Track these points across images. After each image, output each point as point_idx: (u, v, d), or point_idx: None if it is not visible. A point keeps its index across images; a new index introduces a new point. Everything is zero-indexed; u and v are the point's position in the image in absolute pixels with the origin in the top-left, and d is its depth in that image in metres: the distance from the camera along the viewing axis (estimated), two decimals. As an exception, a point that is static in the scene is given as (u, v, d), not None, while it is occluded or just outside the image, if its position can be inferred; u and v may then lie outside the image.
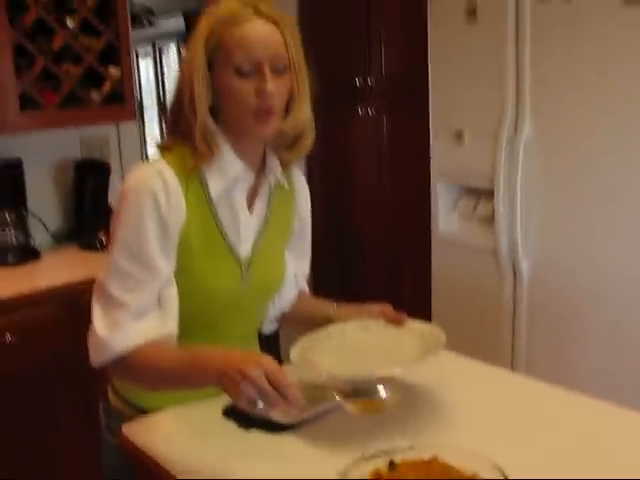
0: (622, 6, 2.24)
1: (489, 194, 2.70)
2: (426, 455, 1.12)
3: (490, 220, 2.72)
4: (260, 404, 1.14)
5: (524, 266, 2.64)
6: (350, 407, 1.17)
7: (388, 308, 1.50)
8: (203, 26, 1.35)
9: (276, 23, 1.34)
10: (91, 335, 1.33)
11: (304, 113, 1.42)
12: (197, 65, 1.33)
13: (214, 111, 1.37)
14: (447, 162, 2.88)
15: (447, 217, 2.95)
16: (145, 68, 6.16)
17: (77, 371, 2.34)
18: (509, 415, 1.38)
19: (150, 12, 5.57)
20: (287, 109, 1.40)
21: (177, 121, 1.38)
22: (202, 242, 1.38)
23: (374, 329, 1.48)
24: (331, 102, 3.68)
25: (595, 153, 2.39)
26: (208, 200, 1.38)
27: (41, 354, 2.38)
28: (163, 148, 1.41)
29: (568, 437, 1.28)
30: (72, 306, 2.38)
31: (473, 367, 1.66)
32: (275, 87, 1.32)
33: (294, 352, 1.36)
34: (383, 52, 3.34)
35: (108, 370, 1.37)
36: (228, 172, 1.39)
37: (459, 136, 2.78)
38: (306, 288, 1.72)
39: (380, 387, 1.17)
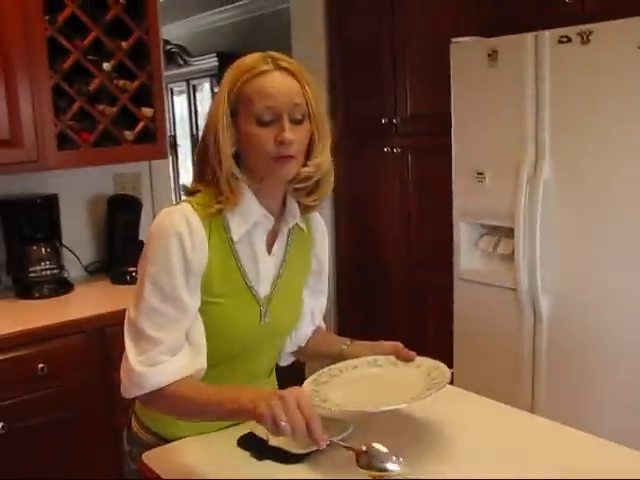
0: (638, 50, 2.30)
1: (510, 233, 2.75)
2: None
3: (511, 258, 2.76)
4: (284, 424, 1.19)
5: (544, 304, 2.67)
6: (362, 473, 1.21)
7: (399, 345, 1.56)
8: (227, 78, 1.44)
9: (294, 75, 1.42)
10: (126, 369, 1.40)
11: (323, 159, 1.48)
12: (221, 114, 1.41)
13: (238, 158, 1.45)
14: (469, 201, 2.93)
15: (469, 255, 3.01)
16: (180, 105, 6.33)
17: (104, 400, 2.45)
18: (511, 451, 1.41)
19: (185, 51, 5.74)
20: (307, 155, 1.47)
21: (203, 167, 1.46)
22: (223, 282, 1.46)
23: (384, 365, 1.53)
24: (359, 139, 3.79)
25: (613, 193, 2.43)
26: (230, 242, 1.46)
27: (71, 383, 2.46)
28: (189, 192, 1.49)
29: (567, 476, 1.30)
30: (100, 337, 2.46)
31: (481, 403, 1.68)
32: (294, 135, 1.39)
33: (306, 386, 1.42)
34: (409, 93, 3.44)
35: (140, 400, 1.44)
36: (250, 217, 1.46)
37: (480, 176, 2.84)
38: (322, 324, 1.78)
39: (393, 458, 1.21)
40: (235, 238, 1.46)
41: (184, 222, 1.40)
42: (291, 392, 1.23)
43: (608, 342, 2.50)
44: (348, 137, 3.86)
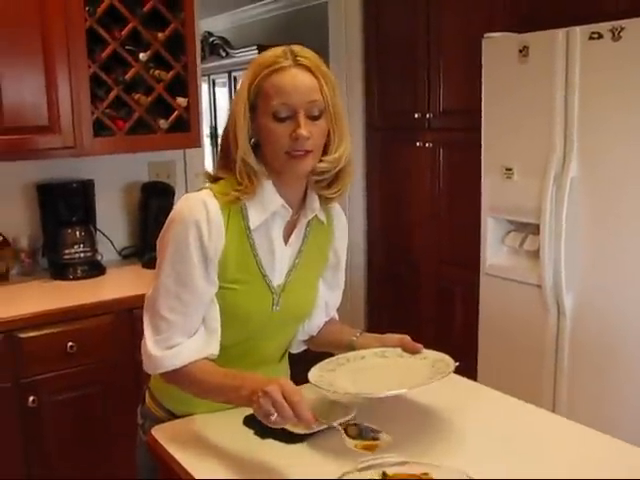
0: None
1: (536, 229, 2.75)
2: (417, 471, 1.20)
3: (536, 255, 2.76)
4: (274, 417, 1.26)
5: (568, 301, 2.67)
6: (348, 442, 1.27)
7: (406, 338, 1.59)
8: (249, 71, 1.47)
9: (313, 72, 1.44)
10: (144, 350, 1.48)
11: (340, 154, 1.50)
12: (240, 107, 1.45)
13: (257, 149, 1.49)
14: (497, 197, 2.94)
15: (495, 251, 3.01)
16: (222, 96, 6.41)
17: (130, 378, 2.53)
18: (514, 444, 1.43)
19: (227, 43, 5.82)
20: (325, 150, 1.50)
21: (225, 156, 1.51)
22: (238, 268, 1.50)
23: (391, 356, 1.57)
24: (392, 134, 3.82)
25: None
26: (247, 231, 1.50)
27: (98, 361, 2.55)
28: (211, 178, 1.54)
29: (571, 472, 1.31)
30: (128, 318, 2.54)
31: (490, 396, 1.71)
32: (310, 131, 1.42)
33: (313, 372, 1.47)
34: (442, 89, 3.45)
35: (160, 376, 1.51)
36: (268, 207, 1.50)
37: (509, 172, 2.84)
38: (336, 315, 1.81)
39: (381, 433, 1.27)
40: (252, 227, 1.50)
41: (203, 209, 1.44)
42: (274, 384, 1.27)
43: (631, 340, 2.49)
44: (381, 131, 3.90)
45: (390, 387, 1.39)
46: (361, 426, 1.27)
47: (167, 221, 1.49)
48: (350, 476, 1.18)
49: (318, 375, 1.46)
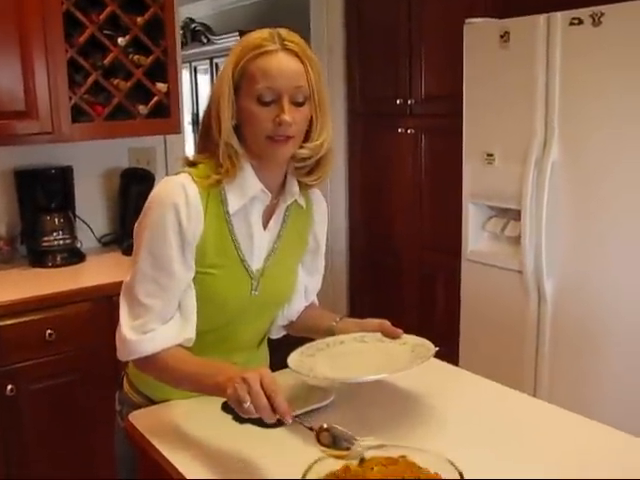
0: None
1: (517, 215, 2.75)
2: (395, 454, 1.20)
3: (518, 241, 2.77)
4: (248, 405, 1.23)
5: (548, 287, 2.68)
6: (319, 447, 1.21)
7: (386, 323, 1.58)
8: (234, 52, 1.45)
9: (300, 57, 1.42)
10: (119, 335, 1.46)
11: (321, 141, 1.49)
12: (225, 88, 1.43)
13: (238, 132, 1.47)
14: (478, 182, 2.94)
15: (477, 236, 3.01)
16: (204, 83, 6.37)
17: (109, 366, 2.50)
18: (495, 428, 1.43)
19: (209, 30, 5.77)
20: (306, 137, 1.49)
21: (205, 138, 1.50)
22: (217, 253, 1.49)
23: (371, 341, 1.56)
24: (373, 120, 3.81)
25: (621, 176, 2.42)
26: (226, 215, 1.49)
27: (77, 348, 2.53)
28: (190, 163, 1.52)
29: (550, 455, 1.32)
30: (107, 305, 2.52)
31: (471, 380, 1.71)
32: (293, 117, 1.41)
33: (292, 357, 1.46)
34: (424, 75, 3.45)
35: (134, 363, 1.50)
36: (247, 191, 1.49)
37: (490, 157, 2.85)
38: (316, 301, 1.81)
39: (355, 441, 1.21)
40: (231, 211, 1.48)
41: (182, 192, 1.43)
42: (254, 372, 1.25)
43: (611, 325, 2.51)
44: (363, 117, 3.89)
45: (370, 372, 1.38)
46: (335, 432, 1.21)
47: (145, 205, 1.47)
48: (327, 461, 1.17)
49: (297, 360, 1.45)
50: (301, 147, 1.48)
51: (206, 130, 1.49)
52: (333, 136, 1.53)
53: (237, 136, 1.46)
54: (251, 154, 1.48)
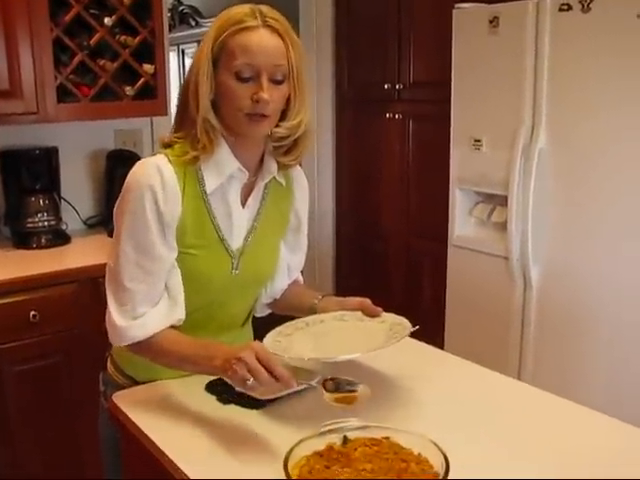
0: (637, 19, 2.28)
1: (504, 201, 2.75)
2: (378, 435, 1.20)
3: (504, 227, 2.77)
4: (251, 382, 1.25)
5: (534, 273, 2.69)
6: (327, 397, 1.28)
7: (366, 302, 1.58)
8: (214, 27, 1.43)
9: (281, 35, 1.41)
10: (108, 320, 1.46)
11: (299, 121, 1.48)
12: (203, 62, 1.41)
13: (215, 108, 1.46)
14: (465, 168, 2.94)
15: (463, 222, 3.01)
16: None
17: (94, 347, 2.48)
18: (478, 411, 1.44)
19: (197, 12, 5.73)
20: (283, 116, 1.48)
21: (183, 114, 1.48)
22: (196, 233, 1.48)
23: (350, 320, 1.56)
24: (361, 105, 3.80)
25: (609, 164, 2.42)
26: (203, 195, 1.48)
27: (62, 330, 2.52)
28: (165, 144, 1.51)
29: (532, 437, 1.33)
30: (92, 286, 2.51)
31: (455, 363, 1.72)
32: (271, 95, 1.40)
33: (267, 338, 1.45)
34: (412, 60, 3.43)
35: (127, 348, 1.49)
36: (224, 170, 1.48)
37: (477, 143, 2.84)
38: (300, 279, 1.80)
39: (359, 385, 1.28)
40: (209, 191, 1.48)
41: (157, 174, 1.41)
42: (247, 349, 1.27)
43: (596, 312, 2.52)
44: (351, 102, 3.88)
45: (347, 351, 1.38)
46: (338, 380, 1.29)
47: (123, 187, 1.45)
48: (310, 440, 1.17)
49: (275, 340, 1.45)
50: (277, 126, 1.47)
51: (184, 106, 1.47)
52: (311, 116, 1.52)
53: (215, 111, 1.45)
54: (228, 130, 1.47)
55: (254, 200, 1.57)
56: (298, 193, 1.69)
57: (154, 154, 1.48)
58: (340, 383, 1.30)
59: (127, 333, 1.44)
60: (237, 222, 1.53)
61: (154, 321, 1.44)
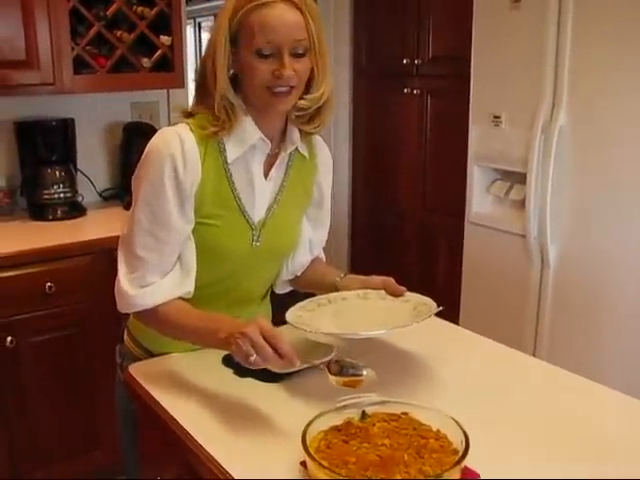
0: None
1: (523, 178, 2.72)
2: (397, 411, 1.19)
3: (522, 204, 2.74)
4: (254, 357, 1.23)
5: (552, 251, 2.66)
6: (330, 378, 1.27)
7: (389, 280, 1.57)
8: (230, 4, 1.40)
9: (299, 8, 1.38)
10: (117, 288, 1.46)
11: (321, 92, 1.47)
12: (220, 40, 1.39)
13: (237, 83, 1.45)
14: (484, 145, 2.90)
15: (481, 199, 2.98)
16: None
17: (108, 319, 2.49)
18: (496, 388, 1.43)
19: (214, -15, 5.66)
20: (307, 88, 1.46)
21: (202, 90, 1.46)
22: (215, 203, 1.47)
23: (373, 299, 1.55)
24: (379, 79, 3.76)
25: (628, 143, 2.38)
26: (224, 164, 1.46)
27: (77, 302, 2.53)
28: (187, 114, 1.49)
29: (549, 414, 1.32)
30: (107, 258, 2.49)
31: (481, 343, 1.70)
32: (293, 69, 1.38)
33: (291, 311, 1.45)
34: (431, 35, 3.38)
35: (134, 316, 1.50)
36: (246, 140, 1.47)
37: (497, 119, 2.81)
38: (322, 255, 1.79)
39: (364, 369, 1.27)
40: (230, 160, 1.46)
41: (178, 143, 1.40)
42: (252, 324, 1.25)
43: (614, 293, 2.49)
44: (368, 77, 3.84)
45: (369, 328, 1.37)
46: (343, 363, 1.27)
47: (142, 156, 1.44)
48: (328, 415, 1.16)
49: (296, 315, 1.44)
50: (301, 98, 1.45)
51: (203, 80, 1.45)
52: (333, 84, 1.50)
53: (235, 86, 1.44)
54: (249, 105, 1.45)
55: (277, 172, 1.55)
56: (322, 167, 1.67)
57: (175, 123, 1.46)
58: (345, 366, 1.28)
59: (135, 301, 1.43)
60: (259, 194, 1.52)
61: (162, 291, 1.43)
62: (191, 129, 1.43)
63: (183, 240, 1.45)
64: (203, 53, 1.48)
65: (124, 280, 1.44)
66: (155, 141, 1.43)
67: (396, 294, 1.54)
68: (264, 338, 1.23)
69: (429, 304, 1.48)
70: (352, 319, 1.47)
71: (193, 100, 1.52)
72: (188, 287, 1.47)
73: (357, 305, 1.54)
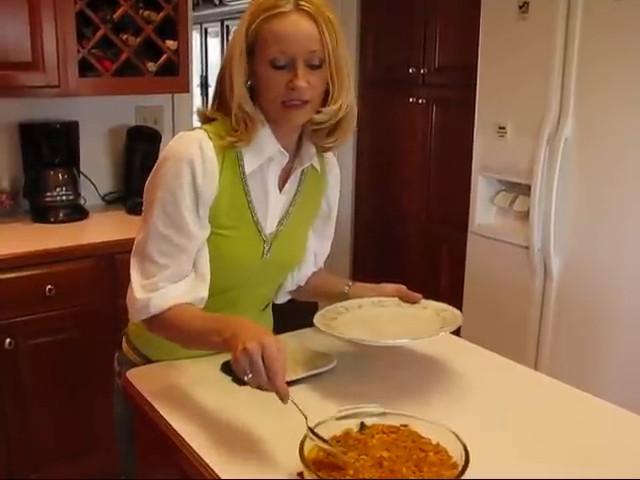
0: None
1: (527, 190, 2.71)
2: (397, 423, 1.18)
3: (526, 216, 2.73)
4: (249, 377, 1.19)
5: (555, 264, 2.65)
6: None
7: (403, 288, 1.56)
8: (247, 13, 1.39)
9: (315, 19, 1.36)
10: (130, 296, 1.42)
11: (340, 105, 1.43)
12: (237, 51, 1.38)
13: (254, 93, 1.42)
14: (488, 155, 2.89)
15: (485, 210, 2.97)
16: (213, 46, 6.29)
17: (108, 324, 2.50)
18: (497, 402, 1.41)
19: (221, -9, 5.68)
20: (325, 100, 1.43)
21: (220, 98, 1.44)
22: (230, 214, 1.45)
23: (390, 306, 1.54)
24: (385, 88, 3.76)
25: (636, 156, 2.37)
26: (241, 175, 1.44)
27: (77, 305, 2.52)
28: (205, 118, 1.47)
29: (549, 429, 1.31)
30: (109, 263, 2.50)
31: (483, 355, 1.68)
32: (308, 81, 1.36)
33: (318, 318, 1.45)
34: (438, 44, 3.39)
35: (146, 325, 1.45)
36: (264, 152, 1.45)
37: (502, 130, 2.80)
38: (322, 266, 1.77)
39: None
40: (247, 172, 1.44)
41: (197, 149, 1.38)
42: (255, 340, 1.18)
43: (617, 308, 2.48)
44: (374, 85, 3.84)
45: (402, 336, 1.38)
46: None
47: (159, 160, 1.42)
48: (327, 425, 1.15)
49: (323, 323, 1.43)
50: (318, 112, 1.42)
51: (221, 90, 1.44)
52: (353, 99, 1.47)
53: (253, 97, 1.42)
54: (266, 117, 1.43)
55: (291, 185, 1.53)
56: (331, 181, 1.66)
57: (193, 129, 1.44)
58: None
59: (146, 304, 1.39)
60: (273, 207, 1.50)
61: (174, 294, 1.40)
62: (209, 137, 1.41)
63: (199, 246, 1.43)
64: (222, 63, 1.46)
65: (137, 287, 1.40)
66: (173, 146, 1.41)
67: (412, 301, 1.54)
68: (264, 359, 1.17)
69: (451, 310, 1.50)
70: (378, 326, 1.46)
71: (212, 103, 1.49)
72: (202, 293, 1.44)
73: (377, 313, 1.52)
